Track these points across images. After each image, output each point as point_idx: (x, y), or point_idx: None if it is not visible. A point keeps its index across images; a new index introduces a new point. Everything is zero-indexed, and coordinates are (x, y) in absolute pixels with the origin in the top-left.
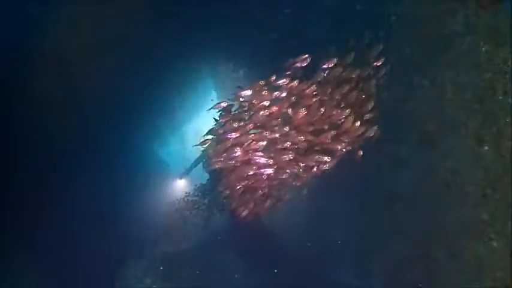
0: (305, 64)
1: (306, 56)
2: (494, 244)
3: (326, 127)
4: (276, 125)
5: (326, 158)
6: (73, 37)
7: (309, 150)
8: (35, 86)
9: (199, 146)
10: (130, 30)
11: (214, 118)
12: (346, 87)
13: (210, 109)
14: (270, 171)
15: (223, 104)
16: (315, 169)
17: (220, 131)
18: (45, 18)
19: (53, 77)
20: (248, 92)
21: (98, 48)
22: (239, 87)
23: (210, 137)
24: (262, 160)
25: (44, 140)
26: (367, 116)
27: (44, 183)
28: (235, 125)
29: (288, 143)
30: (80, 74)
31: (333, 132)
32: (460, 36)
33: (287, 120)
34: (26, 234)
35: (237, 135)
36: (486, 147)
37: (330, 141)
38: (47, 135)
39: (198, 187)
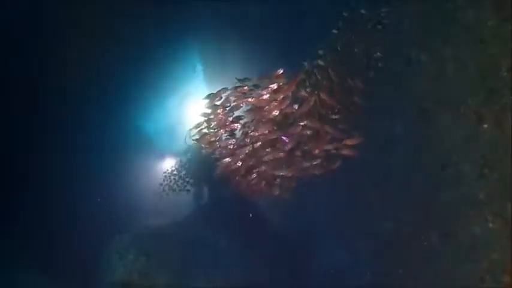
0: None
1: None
2: (491, 225)
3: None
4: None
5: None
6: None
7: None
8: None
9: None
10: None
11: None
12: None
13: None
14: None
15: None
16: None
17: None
18: None
19: (31, 49)
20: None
21: (81, 22)
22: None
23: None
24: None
25: (22, 115)
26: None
27: (24, 162)
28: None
29: None
30: (61, 48)
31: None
32: (463, 10)
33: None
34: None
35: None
36: (486, 126)
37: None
38: (25, 109)
39: (183, 163)
